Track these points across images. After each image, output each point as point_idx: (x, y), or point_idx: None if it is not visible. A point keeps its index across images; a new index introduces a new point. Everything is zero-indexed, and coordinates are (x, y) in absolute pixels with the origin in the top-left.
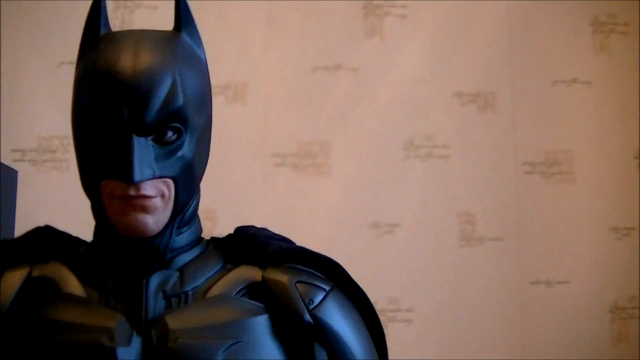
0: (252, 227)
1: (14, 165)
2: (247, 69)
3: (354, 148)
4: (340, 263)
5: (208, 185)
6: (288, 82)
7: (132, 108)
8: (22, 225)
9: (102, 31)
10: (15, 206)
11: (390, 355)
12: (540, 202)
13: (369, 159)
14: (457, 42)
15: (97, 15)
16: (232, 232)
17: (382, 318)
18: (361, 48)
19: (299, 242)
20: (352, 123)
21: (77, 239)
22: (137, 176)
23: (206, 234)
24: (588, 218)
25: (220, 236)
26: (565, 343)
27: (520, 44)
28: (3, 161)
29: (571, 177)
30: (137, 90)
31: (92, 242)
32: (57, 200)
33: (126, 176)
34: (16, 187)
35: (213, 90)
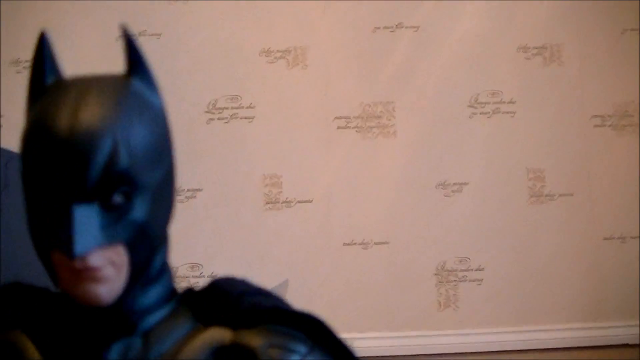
0: (230, 279)
1: None
2: (306, 32)
3: (418, 108)
4: (322, 322)
5: (272, 151)
6: (349, 43)
7: (70, 174)
8: None
9: (49, 80)
10: None
11: (462, 315)
12: (611, 155)
13: (434, 118)
14: None
15: (40, 61)
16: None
17: (452, 278)
18: (422, 5)
19: (365, 206)
20: (415, 82)
21: (48, 295)
22: (78, 249)
23: (273, 199)
24: None
25: (196, 289)
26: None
27: None
28: None
29: None
30: (74, 154)
31: (58, 303)
32: None
33: (67, 250)
34: None
35: (274, 55)
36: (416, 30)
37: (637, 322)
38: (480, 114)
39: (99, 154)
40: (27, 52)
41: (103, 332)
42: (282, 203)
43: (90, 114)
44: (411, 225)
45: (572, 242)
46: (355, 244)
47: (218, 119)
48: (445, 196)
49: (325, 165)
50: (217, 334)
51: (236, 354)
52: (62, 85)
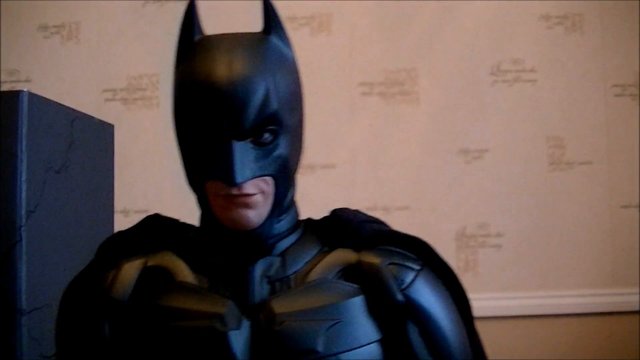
0: (347, 210)
1: (106, 105)
2: None
3: (441, 75)
4: (433, 191)
5: None
6: (372, 10)
7: (231, 117)
8: (120, 166)
9: (196, 37)
10: (113, 160)
11: (481, 280)
12: (631, 124)
13: (456, 85)
14: None
15: (190, 21)
16: (326, 211)
17: (472, 244)
18: None
19: (387, 171)
20: (438, 50)
21: (183, 224)
22: (238, 178)
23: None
24: None
25: (315, 218)
26: None
27: None
28: (97, 100)
29: None
30: (234, 100)
31: (199, 229)
32: (148, 137)
33: (229, 179)
34: (113, 142)
35: (298, 22)
36: None
37: None
38: (501, 82)
39: (255, 99)
40: (54, 18)
41: (248, 252)
42: (305, 168)
43: (244, 65)
44: (432, 191)
45: (590, 209)
46: (377, 208)
47: None
48: (466, 163)
49: (348, 131)
50: (343, 255)
51: (361, 271)
52: (211, 42)
